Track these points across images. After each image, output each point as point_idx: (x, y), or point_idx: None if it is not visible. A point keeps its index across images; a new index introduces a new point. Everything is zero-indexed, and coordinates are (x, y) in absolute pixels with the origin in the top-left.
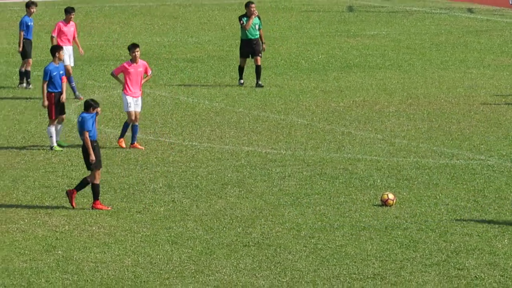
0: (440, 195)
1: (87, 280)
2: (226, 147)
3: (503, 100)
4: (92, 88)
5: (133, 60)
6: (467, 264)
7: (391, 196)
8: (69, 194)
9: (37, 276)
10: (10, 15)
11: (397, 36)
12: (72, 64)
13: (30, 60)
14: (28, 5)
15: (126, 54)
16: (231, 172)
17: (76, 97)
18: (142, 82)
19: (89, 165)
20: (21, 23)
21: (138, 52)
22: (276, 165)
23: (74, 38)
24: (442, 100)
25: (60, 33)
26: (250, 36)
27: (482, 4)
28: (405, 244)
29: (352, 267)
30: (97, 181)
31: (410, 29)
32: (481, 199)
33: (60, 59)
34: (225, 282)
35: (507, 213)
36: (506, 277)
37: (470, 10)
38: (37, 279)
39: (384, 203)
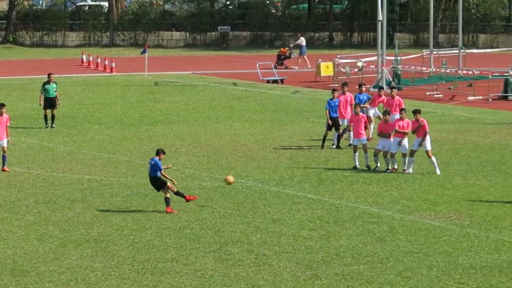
0: (215, 206)
1: None
2: (74, 176)
3: (256, 143)
4: None
5: (0, 114)
6: (233, 251)
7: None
8: (187, 200)
9: None
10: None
11: (187, 101)
12: None
13: None
14: None
15: (11, 115)
16: (77, 192)
17: None
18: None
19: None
20: None
21: (4, 109)
22: (107, 188)
23: None
24: (216, 144)
25: None
26: (49, 95)
27: (242, 79)
28: (192, 238)
29: (157, 254)
30: (168, 195)
31: (195, 96)
32: (242, 208)
33: None
34: (73, 265)
35: (259, 218)
36: (259, 259)
37: (234, 84)
38: None
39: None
